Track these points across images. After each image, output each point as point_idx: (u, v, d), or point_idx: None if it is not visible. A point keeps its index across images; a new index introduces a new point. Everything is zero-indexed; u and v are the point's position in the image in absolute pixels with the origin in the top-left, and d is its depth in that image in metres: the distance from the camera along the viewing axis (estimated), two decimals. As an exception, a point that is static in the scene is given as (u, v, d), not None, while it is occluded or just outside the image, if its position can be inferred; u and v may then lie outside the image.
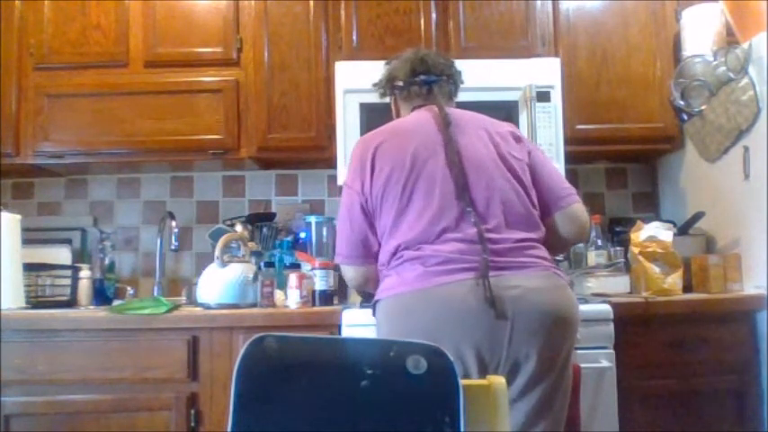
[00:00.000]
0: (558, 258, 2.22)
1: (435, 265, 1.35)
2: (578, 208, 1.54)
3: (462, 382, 0.80)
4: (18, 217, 2.23)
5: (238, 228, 2.49)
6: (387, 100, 1.74)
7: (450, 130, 1.47)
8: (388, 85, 1.69)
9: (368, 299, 2.14)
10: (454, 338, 1.29)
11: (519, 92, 2.32)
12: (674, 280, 2.13)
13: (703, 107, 2.32)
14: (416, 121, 1.55)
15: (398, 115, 1.69)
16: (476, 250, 1.35)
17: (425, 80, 1.61)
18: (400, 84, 1.65)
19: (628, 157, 2.74)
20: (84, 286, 2.44)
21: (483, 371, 1.31)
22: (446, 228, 1.39)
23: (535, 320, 1.32)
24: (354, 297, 2.33)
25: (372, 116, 2.20)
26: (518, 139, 1.56)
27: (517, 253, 1.38)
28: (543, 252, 1.44)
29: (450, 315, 1.31)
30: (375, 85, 1.73)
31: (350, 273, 1.56)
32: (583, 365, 1.74)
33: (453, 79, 1.67)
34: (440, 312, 1.32)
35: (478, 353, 1.31)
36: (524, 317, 1.32)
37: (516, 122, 2.31)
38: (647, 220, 2.30)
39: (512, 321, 1.31)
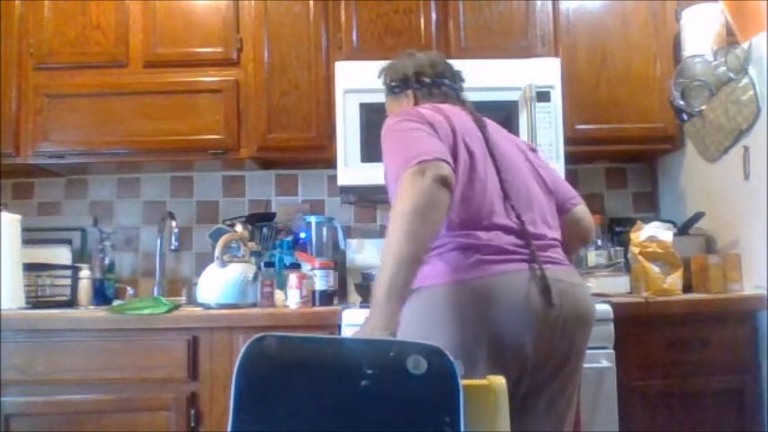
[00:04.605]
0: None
1: (492, 254, 1.30)
2: (586, 209, 1.60)
3: (462, 382, 0.80)
4: (18, 217, 2.23)
5: (238, 228, 2.49)
6: (395, 92, 1.63)
7: (487, 131, 1.46)
8: (413, 77, 1.59)
9: (367, 297, 2.14)
10: (517, 329, 1.26)
11: (519, 92, 2.32)
12: (674, 280, 2.13)
13: (703, 107, 2.32)
14: (454, 112, 1.46)
15: None
16: (523, 243, 1.33)
17: (452, 85, 1.60)
18: (428, 80, 1.59)
19: (628, 157, 2.74)
20: (84, 286, 2.44)
21: (538, 363, 1.28)
22: (495, 217, 1.34)
23: (577, 315, 1.33)
24: (354, 297, 2.34)
25: (372, 116, 2.20)
26: (532, 149, 1.60)
27: (551, 249, 1.39)
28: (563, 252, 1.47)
29: (514, 306, 1.26)
30: (393, 73, 1.63)
31: (442, 170, 1.20)
32: (583, 365, 1.74)
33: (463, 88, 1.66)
34: (504, 302, 1.26)
35: (537, 344, 1.27)
36: (570, 311, 1.31)
37: (516, 122, 2.32)
38: (647, 220, 2.30)
39: (561, 314, 1.30)
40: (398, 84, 1.62)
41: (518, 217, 1.35)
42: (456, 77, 1.63)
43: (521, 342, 1.25)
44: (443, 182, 1.18)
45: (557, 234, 1.45)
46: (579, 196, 1.60)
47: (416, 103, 1.58)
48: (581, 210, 1.58)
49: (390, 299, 1.10)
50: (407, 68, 1.61)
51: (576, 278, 1.40)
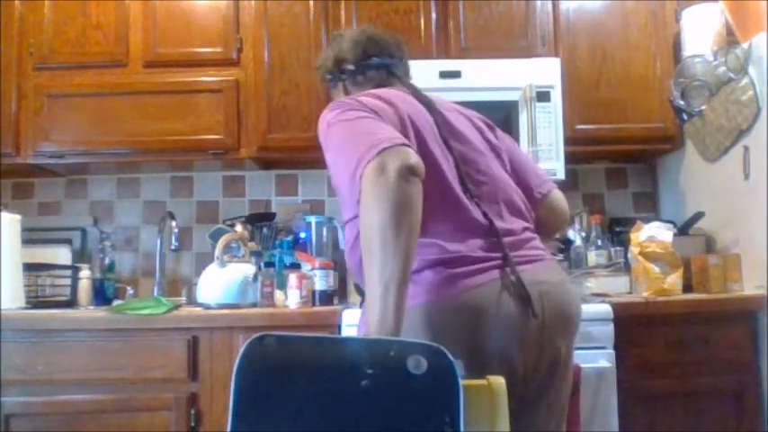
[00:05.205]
0: (559, 259, 2.23)
1: (462, 266, 1.17)
2: (559, 193, 1.46)
3: (462, 382, 0.80)
4: (18, 217, 2.23)
5: (238, 228, 2.49)
6: (331, 85, 1.51)
7: (437, 113, 1.30)
8: (335, 68, 1.46)
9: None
10: (498, 343, 1.15)
11: (519, 92, 2.32)
12: (674, 280, 2.13)
13: (703, 107, 2.32)
14: (397, 96, 1.28)
15: None
16: (493, 244, 1.20)
17: (380, 63, 1.43)
18: (351, 67, 1.43)
19: (628, 157, 2.74)
20: (84, 286, 2.44)
21: (528, 373, 1.19)
22: (459, 219, 1.21)
23: (561, 317, 1.24)
24: (354, 297, 2.33)
25: (372, 116, 2.20)
26: (491, 127, 1.43)
27: (527, 245, 1.28)
28: (541, 243, 1.36)
29: (490, 320, 1.16)
30: (319, 68, 1.52)
31: (408, 158, 1.03)
32: (583, 365, 1.74)
33: (405, 61, 1.48)
34: (480, 317, 1.15)
35: (523, 355, 1.18)
36: (553, 314, 1.21)
37: (516, 122, 2.32)
38: (647, 220, 2.30)
39: (544, 320, 1.20)
40: (330, 77, 1.49)
41: (485, 215, 1.22)
42: (386, 50, 1.44)
43: (505, 356, 1.15)
44: (411, 171, 1.01)
45: (527, 222, 1.32)
46: (550, 180, 1.47)
47: (347, 92, 1.44)
48: (554, 197, 1.43)
49: (384, 329, 0.96)
50: (328, 59, 1.48)
51: (557, 275, 1.29)
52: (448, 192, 1.21)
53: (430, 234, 1.16)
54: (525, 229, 1.31)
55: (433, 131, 1.26)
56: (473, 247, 1.19)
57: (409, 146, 1.07)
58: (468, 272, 1.17)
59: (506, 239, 1.22)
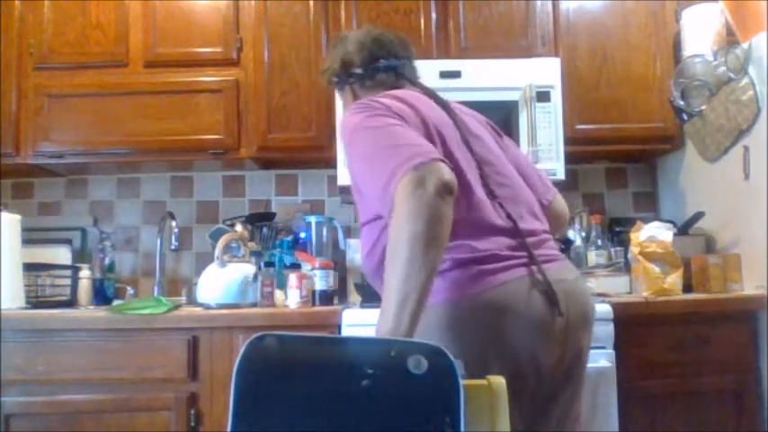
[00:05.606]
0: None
1: (491, 263, 1.17)
2: (560, 197, 1.49)
3: (462, 382, 0.80)
4: (18, 217, 2.23)
5: (238, 228, 2.49)
6: (338, 88, 1.50)
7: (455, 115, 1.30)
8: (342, 71, 1.43)
9: (368, 297, 2.14)
10: (525, 340, 1.16)
11: (519, 92, 2.32)
12: (674, 280, 2.13)
13: (703, 107, 2.32)
14: (416, 98, 1.28)
15: None
16: (518, 244, 1.21)
17: (388, 65, 1.41)
18: (359, 71, 1.41)
19: (628, 157, 2.74)
20: (84, 286, 2.44)
21: (549, 370, 1.20)
22: (485, 220, 1.21)
23: (582, 316, 1.25)
24: (354, 297, 2.33)
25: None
26: (497, 132, 1.45)
27: (545, 245, 1.29)
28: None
29: (518, 317, 1.16)
30: (325, 71, 1.49)
31: (444, 175, 1.03)
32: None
33: (412, 61, 1.46)
34: (508, 314, 1.16)
35: (549, 352, 1.18)
36: (575, 312, 1.22)
37: (516, 122, 2.32)
38: (647, 220, 2.30)
39: (568, 317, 1.20)
40: (338, 80, 1.46)
41: (509, 216, 1.23)
42: (392, 51, 1.42)
43: (532, 353, 1.16)
44: (447, 189, 1.02)
45: (545, 224, 1.34)
46: (553, 186, 1.49)
47: (355, 96, 1.42)
48: (557, 201, 1.46)
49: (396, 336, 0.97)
50: (335, 61, 1.45)
51: (573, 272, 1.31)
52: (471, 194, 1.21)
53: (458, 236, 1.14)
54: (544, 230, 1.32)
55: (455, 134, 1.26)
56: (501, 246, 1.20)
57: (444, 161, 1.07)
58: (496, 269, 1.17)
59: (529, 240, 1.23)
